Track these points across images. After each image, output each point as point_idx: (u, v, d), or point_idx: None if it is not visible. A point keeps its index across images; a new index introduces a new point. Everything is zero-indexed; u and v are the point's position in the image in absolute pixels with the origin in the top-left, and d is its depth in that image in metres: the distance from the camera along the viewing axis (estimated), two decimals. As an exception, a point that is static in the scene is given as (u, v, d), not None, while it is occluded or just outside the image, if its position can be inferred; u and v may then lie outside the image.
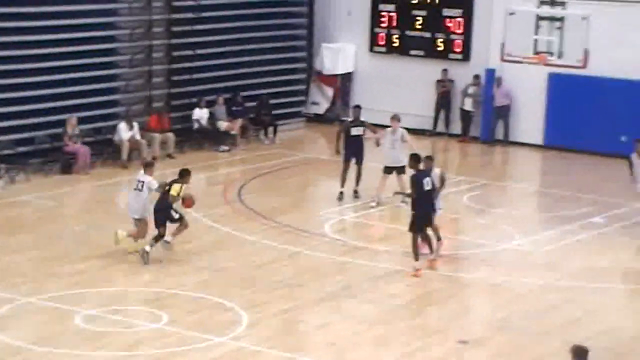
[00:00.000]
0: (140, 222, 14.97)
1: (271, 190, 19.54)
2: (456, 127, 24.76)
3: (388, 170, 18.19)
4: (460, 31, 24.34)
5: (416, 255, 14.60)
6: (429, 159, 15.28)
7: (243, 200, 18.53)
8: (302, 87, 25.87)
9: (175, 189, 14.67)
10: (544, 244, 16.30)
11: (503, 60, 23.55)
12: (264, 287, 14.02)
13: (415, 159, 14.95)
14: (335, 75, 25.87)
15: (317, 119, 26.03)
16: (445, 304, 13.60)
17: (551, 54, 22.59)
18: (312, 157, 22.76)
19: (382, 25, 25.32)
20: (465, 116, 24.51)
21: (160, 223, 14.67)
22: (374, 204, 18.15)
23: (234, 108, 23.30)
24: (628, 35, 22.42)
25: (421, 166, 14.90)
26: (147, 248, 14.63)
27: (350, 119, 19.32)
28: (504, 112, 23.90)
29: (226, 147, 22.57)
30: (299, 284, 14.20)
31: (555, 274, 14.96)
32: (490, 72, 23.98)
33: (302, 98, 25.95)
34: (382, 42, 25.36)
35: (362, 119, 18.99)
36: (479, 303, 13.98)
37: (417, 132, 24.84)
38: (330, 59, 25.70)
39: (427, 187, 14.69)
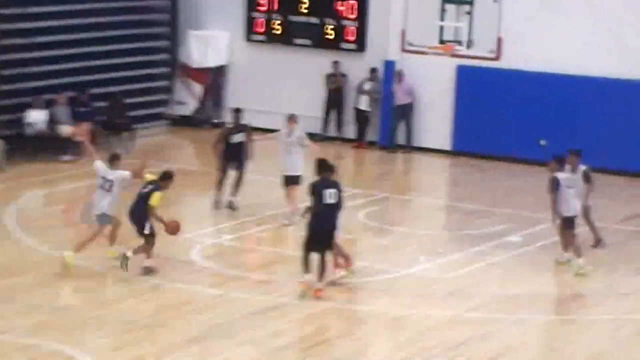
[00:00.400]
0: (112, 222, 15.81)
1: (125, 209, 19.22)
2: (350, 130, 24.95)
3: (287, 180, 18.42)
4: (353, 16, 24.58)
5: (306, 269, 14.83)
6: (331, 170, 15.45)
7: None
8: (164, 83, 25.78)
9: (155, 199, 15.41)
10: (453, 268, 16.51)
11: (404, 50, 23.88)
12: (115, 328, 13.80)
13: (323, 165, 15.05)
14: (205, 69, 25.84)
15: (183, 121, 25.96)
16: (338, 343, 13.65)
17: (459, 43, 22.99)
18: (177, 167, 22.55)
19: (261, 8, 25.37)
20: (361, 117, 24.73)
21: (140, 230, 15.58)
22: (286, 221, 18.32)
23: (79, 109, 22.99)
24: (546, 21, 22.96)
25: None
26: (129, 253, 15.47)
27: (229, 125, 19.47)
28: (406, 112, 24.21)
29: (69, 157, 22.20)
30: (160, 323, 14.02)
31: (466, 303, 15.15)
32: (390, 65, 24.24)
33: (164, 97, 25.85)
34: (260, 29, 25.41)
35: (243, 122, 19.36)
36: (377, 340, 14.03)
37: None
38: (199, 49, 25.65)
39: (330, 199, 14.76)
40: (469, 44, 23.09)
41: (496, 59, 23.14)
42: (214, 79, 26.04)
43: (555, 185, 16.33)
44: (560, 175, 16.44)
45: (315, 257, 14.91)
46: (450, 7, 23.49)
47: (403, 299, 15.23)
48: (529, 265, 16.80)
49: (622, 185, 21.87)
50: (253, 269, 16.41)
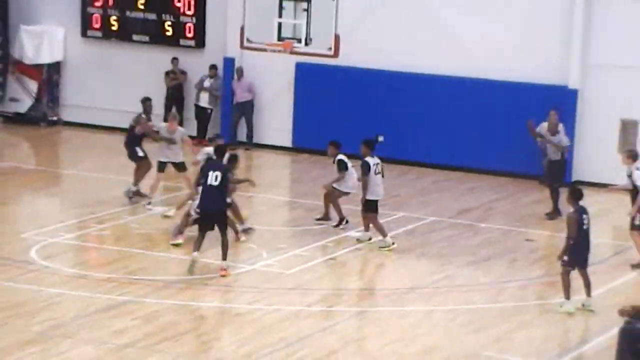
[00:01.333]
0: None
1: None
2: (191, 127, 24.90)
3: (162, 166, 19.19)
4: (191, 13, 24.58)
5: (195, 247, 15.90)
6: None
7: None
8: (-3, 79, 25.25)
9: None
10: (295, 264, 16.79)
11: (243, 47, 24.01)
12: (-51, 331, 13.59)
13: (219, 150, 16.49)
14: (40, 66, 25.41)
15: (17, 119, 25.52)
16: (181, 340, 13.70)
17: (298, 40, 23.21)
18: (11, 166, 22.22)
19: (97, 4, 25.16)
20: (202, 114, 24.77)
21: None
22: (149, 206, 19.06)
23: None
24: (381, 20, 23.44)
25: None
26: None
27: (144, 115, 19.75)
28: (246, 109, 24.37)
29: None
30: (-3, 324, 13.90)
31: (308, 298, 15.47)
32: (229, 62, 24.38)
33: (-3, 93, 25.29)
34: (97, 25, 25.17)
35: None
36: (220, 336, 14.19)
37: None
38: (33, 45, 25.21)
39: (213, 181, 15.70)
40: (307, 41, 23.34)
41: (334, 56, 23.48)
42: (49, 76, 25.63)
43: (366, 169, 17.46)
44: (371, 161, 17.55)
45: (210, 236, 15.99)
46: (289, 4, 23.64)
47: (246, 295, 15.42)
48: (368, 259, 17.25)
49: (456, 179, 22.61)
50: (94, 267, 16.32)
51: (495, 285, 16.32)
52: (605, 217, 20.08)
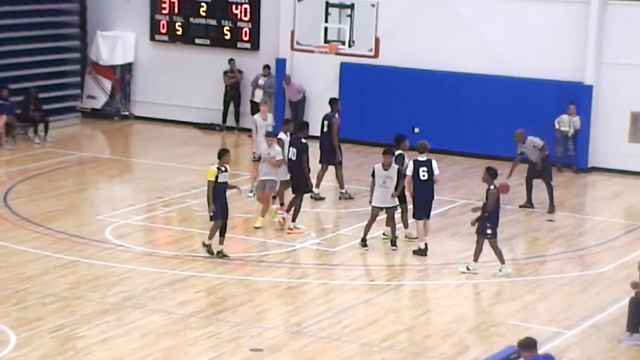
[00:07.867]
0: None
1: (43, 193, 18.97)
2: (247, 121, 24.85)
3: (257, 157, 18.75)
4: (247, 19, 24.52)
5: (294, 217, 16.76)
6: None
7: (9, 205, 17.91)
8: (76, 79, 25.37)
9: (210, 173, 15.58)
10: (340, 242, 16.68)
11: (293, 49, 23.92)
12: (35, 301, 13.60)
13: (300, 126, 17.65)
14: (114, 66, 25.46)
15: (94, 114, 25.57)
16: (239, 311, 13.67)
17: (342, 42, 23.11)
18: (89, 155, 22.33)
19: (164, 11, 25.11)
20: (256, 109, 24.47)
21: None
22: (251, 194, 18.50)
23: (-3, 103, 22.55)
24: (417, 24, 23.32)
25: None
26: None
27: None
28: (299, 107, 24.33)
29: (-9, 146, 21.71)
30: (77, 296, 13.90)
31: (351, 273, 15.36)
32: (281, 62, 24.28)
33: (76, 91, 25.42)
34: (164, 30, 25.17)
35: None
36: (273, 307, 14.11)
37: (206, 126, 24.88)
38: (107, 48, 25.24)
39: (292, 156, 16.94)
40: (351, 44, 23.24)
41: (374, 56, 23.36)
42: (121, 75, 25.70)
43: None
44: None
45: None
46: (334, 10, 23.54)
47: (296, 270, 15.35)
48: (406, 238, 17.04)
49: (483, 166, 22.22)
50: (160, 246, 16.31)
51: (519, 260, 16.12)
52: (617, 199, 19.78)
